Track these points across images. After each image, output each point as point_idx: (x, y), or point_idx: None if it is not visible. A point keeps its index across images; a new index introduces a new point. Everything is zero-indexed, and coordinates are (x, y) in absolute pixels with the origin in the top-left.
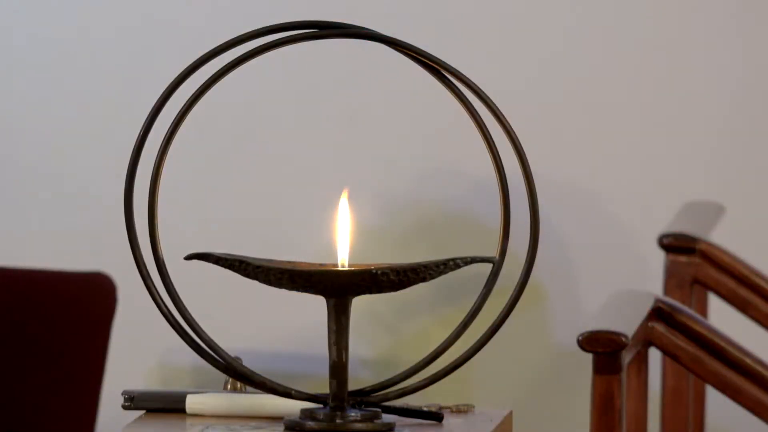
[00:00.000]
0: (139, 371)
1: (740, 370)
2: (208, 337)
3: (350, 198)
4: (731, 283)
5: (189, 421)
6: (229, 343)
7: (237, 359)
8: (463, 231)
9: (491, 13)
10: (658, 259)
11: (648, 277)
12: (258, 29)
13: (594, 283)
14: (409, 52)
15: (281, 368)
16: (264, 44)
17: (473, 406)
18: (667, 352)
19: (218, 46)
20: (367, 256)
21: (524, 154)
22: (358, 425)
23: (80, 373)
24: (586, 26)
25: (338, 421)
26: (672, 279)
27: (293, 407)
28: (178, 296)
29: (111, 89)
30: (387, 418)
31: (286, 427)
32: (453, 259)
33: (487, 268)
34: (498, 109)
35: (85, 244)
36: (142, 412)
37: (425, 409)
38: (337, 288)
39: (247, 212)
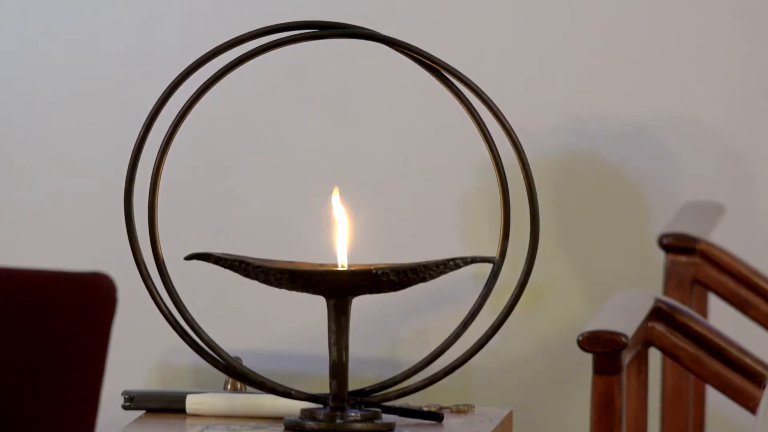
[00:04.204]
0: (139, 371)
1: (740, 370)
2: (208, 337)
3: (350, 198)
4: (731, 283)
5: (189, 421)
6: (229, 343)
7: (237, 359)
8: (463, 231)
9: (491, 12)
10: (658, 259)
11: (648, 277)
12: (258, 29)
13: (594, 283)
14: (409, 52)
15: (281, 368)
16: (264, 44)
17: (473, 406)
18: (667, 352)
19: (218, 46)
20: (367, 256)
21: (524, 154)
22: (358, 425)
23: (80, 373)
24: (586, 26)
25: (338, 421)
26: (672, 279)
27: (293, 407)
28: (178, 296)
29: (111, 89)
30: (387, 418)
31: (286, 427)
32: (453, 259)
33: (487, 268)
34: (498, 109)
35: (85, 244)
36: (142, 412)
37: (425, 409)
38: (337, 288)
39: (247, 212)
